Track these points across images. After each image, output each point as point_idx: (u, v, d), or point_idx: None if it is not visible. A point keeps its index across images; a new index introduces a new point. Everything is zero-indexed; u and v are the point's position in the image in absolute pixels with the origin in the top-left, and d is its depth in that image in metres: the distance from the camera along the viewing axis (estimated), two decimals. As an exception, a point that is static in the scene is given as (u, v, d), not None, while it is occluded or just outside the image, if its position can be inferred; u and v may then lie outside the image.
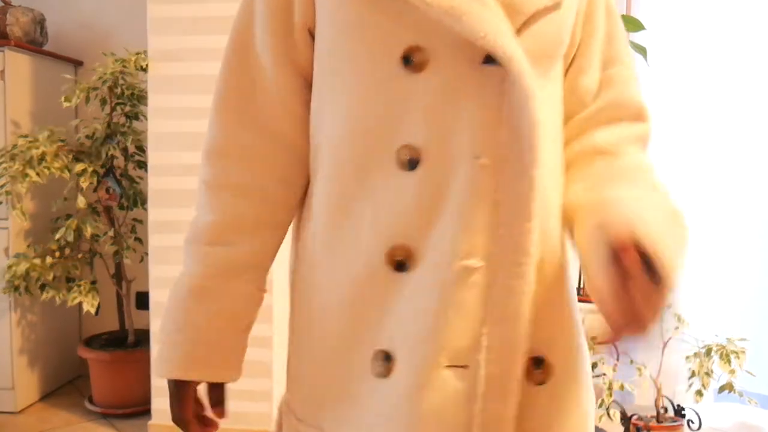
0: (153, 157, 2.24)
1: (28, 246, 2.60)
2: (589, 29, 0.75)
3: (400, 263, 0.66)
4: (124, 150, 2.55)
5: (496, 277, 0.64)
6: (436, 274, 0.65)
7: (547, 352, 0.68)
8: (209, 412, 0.75)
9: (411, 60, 0.64)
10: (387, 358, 0.66)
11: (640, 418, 2.23)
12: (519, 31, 0.64)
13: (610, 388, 2.16)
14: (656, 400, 2.24)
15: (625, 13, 2.61)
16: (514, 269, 0.64)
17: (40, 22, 2.77)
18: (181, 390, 0.72)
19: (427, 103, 0.65)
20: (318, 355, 0.72)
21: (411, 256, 0.66)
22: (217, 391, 0.75)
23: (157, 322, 2.28)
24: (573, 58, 0.75)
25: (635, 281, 0.57)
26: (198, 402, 0.74)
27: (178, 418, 0.73)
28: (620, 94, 0.75)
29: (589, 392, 0.73)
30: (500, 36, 0.61)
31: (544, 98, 0.68)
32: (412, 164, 0.65)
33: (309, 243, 0.73)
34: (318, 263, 0.72)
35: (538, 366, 0.67)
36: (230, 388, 2.26)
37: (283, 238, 0.77)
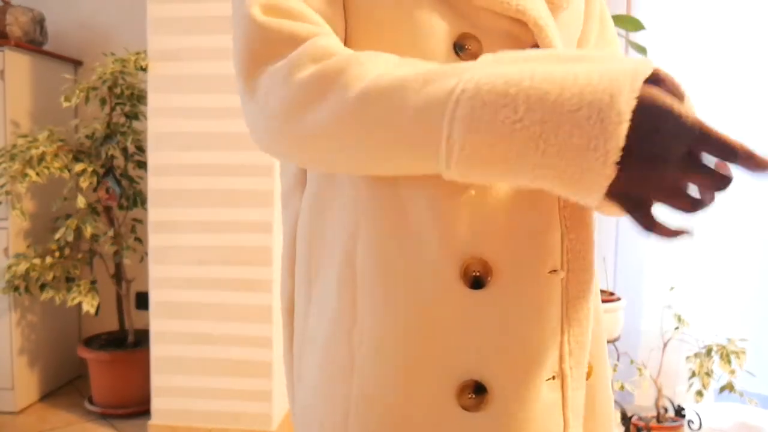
0: (153, 157, 2.24)
1: (28, 246, 2.60)
2: (588, 11, 0.74)
3: (477, 280, 0.58)
4: (124, 150, 2.55)
5: (571, 283, 0.63)
6: (521, 288, 0.60)
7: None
8: None
9: (465, 47, 0.59)
10: (479, 389, 0.58)
11: (640, 419, 2.23)
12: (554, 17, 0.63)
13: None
14: (656, 401, 2.23)
15: (625, 13, 2.61)
16: (583, 266, 0.62)
17: (40, 22, 2.77)
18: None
19: None
20: (375, 396, 0.61)
21: (489, 269, 0.58)
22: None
23: (157, 322, 2.28)
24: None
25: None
26: None
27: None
28: None
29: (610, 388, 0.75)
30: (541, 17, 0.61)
31: None
32: None
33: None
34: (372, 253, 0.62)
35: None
36: (231, 388, 2.24)
37: None
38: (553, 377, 0.61)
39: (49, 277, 2.46)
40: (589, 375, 0.66)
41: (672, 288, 2.37)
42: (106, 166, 2.53)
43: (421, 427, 0.59)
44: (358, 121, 0.53)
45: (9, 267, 2.44)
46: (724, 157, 0.47)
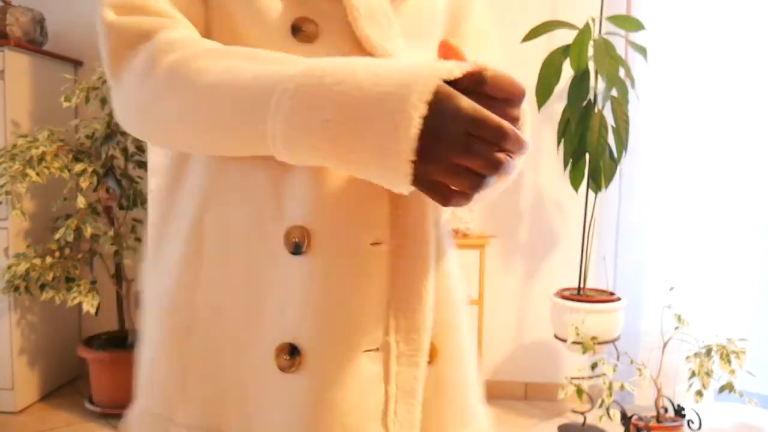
0: (153, 157, 2.24)
1: (28, 246, 2.60)
2: (459, 6, 0.77)
3: (297, 245, 0.61)
4: (124, 150, 2.56)
5: (403, 258, 0.64)
6: (340, 256, 0.62)
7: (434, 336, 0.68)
8: None
9: (302, 30, 0.63)
10: (293, 351, 0.61)
11: (640, 419, 2.23)
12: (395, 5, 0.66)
13: (610, 388, 2.16)
14: (656, 400, 2.24)
15: (625, 13, 2.61)
16: (417, 251, 0.65)
17: (40, 22, 2.77)
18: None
19: None
20: (212, 355, 0.65)
21: (309, 237, 0.61)
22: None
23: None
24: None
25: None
26: None
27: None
28: None
29: (473, 371, 0.74)
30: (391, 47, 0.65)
31: None
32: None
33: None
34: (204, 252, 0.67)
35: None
36: None
37: None
38: (376, 349, 0.62)
39: (49, 277, 2.46)
40: (432, 357, 0.66)
41: (672, 288, 2.37)
42: (106, 166, 2.53)
43: (248, 386, 0.63)
44: (202, 116, 0.60)
45: (9, 267, 2.44)
46: (495, 140, 0.52)
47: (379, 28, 0.64)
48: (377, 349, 0.62)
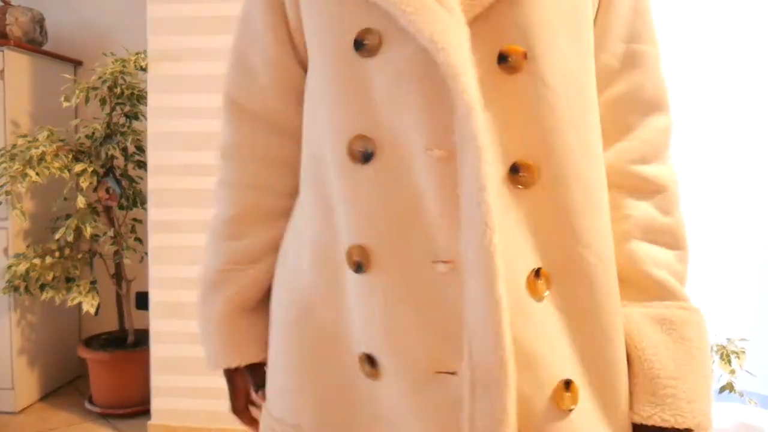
0: (153, 157, 2.24)
1: (28, 246, 2.60)
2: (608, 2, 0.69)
3: (358, 265, 0.63)
4: (124, 150, 2.55)
5: (469, 278, 0.59)
6: (403, 272, 0.62)
7: (575, 374, 0.62)
8: (254, 397, 0.78)
9: (363, 44, 0.62)
10: (371, 361, 0.63)
11: (640, 418, 2.23)
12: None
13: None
14: (656, 400, 2.23)
15: (625, 13, 2.61)
16: (483, 274, 0.58)
17: (40, 22, 2.77)
18: (231, 381, 0.79)
19: (380, 91, 0.62)
20: (298, 354, 0.71)
21: (368, 256, 0.62)
22: (261, 374, 0.78)
23: (157, 322, 2.28)
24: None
25: None
26: (253, 388, 0.79)
27: (232, 409, 0.80)
28: (640, 80, 0.70)
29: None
30: (451, 45, 0.58)
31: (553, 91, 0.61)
32: (366, 157, 0.63)
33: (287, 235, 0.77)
34: (297, 261, 0.73)
35: (566, 389, 0.61)
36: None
37: None
38: (453, 373, 0.60)
39: (49, 277, 2.46)
40: (574, 397, 0.61)
41: (672, 288, 2.37)
42: (106, 166, 2.53)
43: (337, 386, 0.67)
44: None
45: (9, 267, 2.44)
46: None
47: (441, 25, 0.58)
48: (453, 373, 0.60)
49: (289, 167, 0.75)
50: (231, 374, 0.79)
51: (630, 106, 0.70)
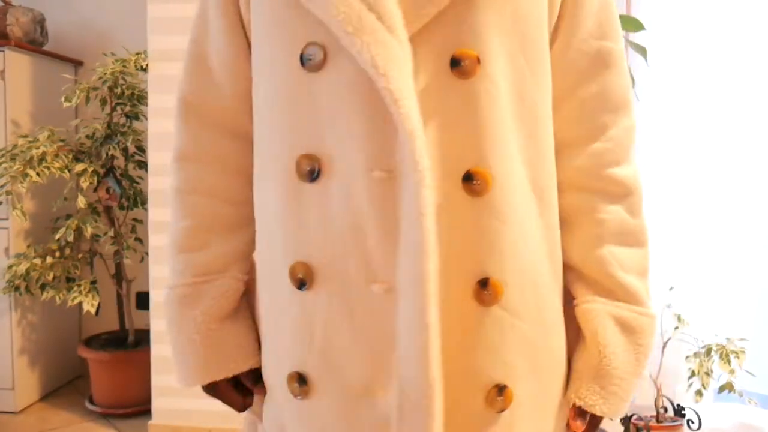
0: (153, 157, 2.24)
1: (28, 246, 2.60)
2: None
3: (301, 281, 0.64)
4: (124, 150, 2.55)
5: (403, 301, 0.60)
6: (341, 291, 0.63)
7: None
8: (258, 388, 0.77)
9: (309, 58, 0.62)
10: (302, 380, 0.66)
11: (639, 418, 2.23)
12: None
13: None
14: (656, 400, 2.24)
15: (625, 13, 2.61)
16: (416, 298, 0.59)
17: (40, 22, 2.77)
18: (215, 392, 0.77)
19: (325, 105, 0.62)
20: (264, 365, 0.76)
21: (311, 273, 0.63)
22: (247, 377, 0.77)
23: (158, 322, 2.28)
24: (556, 31, 0.68)
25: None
26: (240, 388, 0.77)
27: (235, 409, 0.79)
28: (612, 80, 0.71)
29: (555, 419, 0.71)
30: (393, 68, 0.57)
31: (508, 91, 0.62)
32: (313, 175, 0.63)
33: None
34: (256, 277, 0.75)
35: (500, 393, 0.65)
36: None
37: (251, 235, 0.76)
38: (380, 391, 0.62)
39: (50, 277, 2.46)
40: (506, 401, 0.64)
41: (672, 288, 2.37)
42: (107, 166, 2.53)
43: (275, 398, 0.70)
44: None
45: (9, 267, 2.44)
46: None
47: (381, 48, 0.57)
48: (381, 391, 0.62)
49: (248, 175, 0.73)
50: (215, 387, 0.75)
51: (603, 106, 0.70)
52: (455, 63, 0.60)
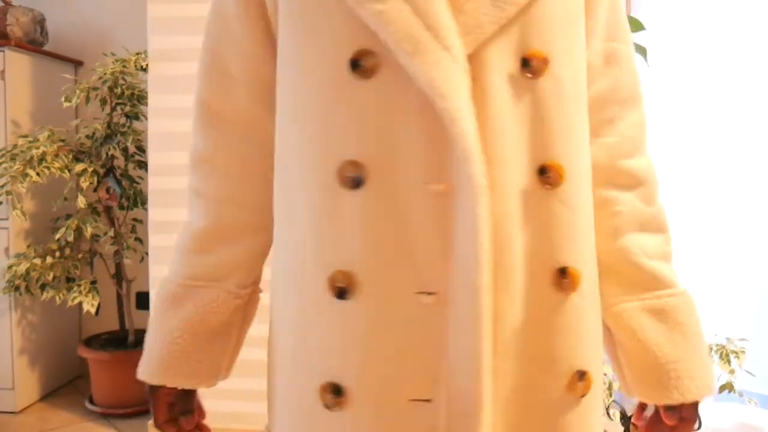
0: (153, 157, 2.24)
1: (28, 246, 2.60)
2: (591, 1, 0.71)
3: (342, 291, 0.62)
4: (124, 150, 2.56)
5: (456, 312, 0.60)
6: (387, 300, 0.62)
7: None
8: (185, 419, 0.77)
9: (360, 64, 0.61)
10: (337, 391, 0.63)
11: (640, 418, 2.23)
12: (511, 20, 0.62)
13: (610, 388, 2.16)
14: (656, 400, 2.23)
15: (625, 13, 2.61)
16: (471, 310, 0.59)
17: (40, 22, 2.77)
18: (154, 393, 0.75)
19: (374, 114, 0.61)
20: (280, 383, 0.72)
21: (353, 282, 0.61)
22: (188, 398, 0.76)
23: (157, 322, 2.28)
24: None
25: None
26: (175, 407, 0.76)
27: (155, 423, 0.76)
28: (620, 76, 0.74)
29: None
30: (451, 88, 0.58)
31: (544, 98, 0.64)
32: (356, 183, 0.61)
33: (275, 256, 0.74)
34: (275, 290, 0.72)
35: (581, 378, 0.66)
36: (231, 388, 2.26)
37: (269, 241, 0.75)
38: (428, 400, 0.61)
39: (50, 277, 2.46)
40: (586, 385, 0.66)
41: (672, 288, 2.37)
42: (107, 166, 2.53)
43: (296, 417, 0.67)
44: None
45: (9, 267, 2.44)
46: None
47: (433, 61, 0.58)
48: (428, 401, 0.61)
49: (265, 181, 0.73)
50: (157, 389, 0.75)
51: (612, 102, 0.73)
52: (525, 63, 0.62)
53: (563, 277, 0.64)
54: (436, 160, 0.60)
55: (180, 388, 0.74)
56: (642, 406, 0.76)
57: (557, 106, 0.64)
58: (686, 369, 0.69)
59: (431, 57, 0.58)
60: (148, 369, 0.74)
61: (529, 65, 0.62)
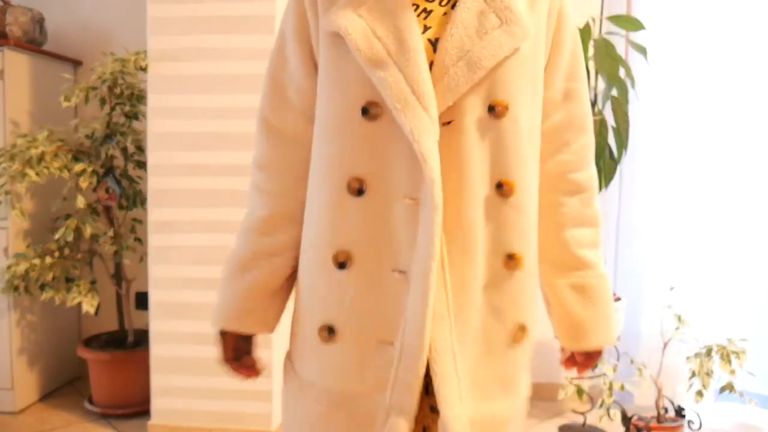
0: (152, 157, 2.24)
1: (28, 246, 2.60)
2: (556, 51, 0.95)
3: (342, 263, 0.90)
4: (124, 150, 2.55)
5: (412, 285, 0.87)
6: (371, 273, 0.89)
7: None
8: (247, 358, 1.02)
9: (369, 111, 0.87)
10: (330, 330, 0.92)
11: (640, 419, 2.23)
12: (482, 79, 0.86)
13: (610, 388, 2.16)
14: (657, 401, 2.24)
15: (625, 13, 2.61)
16: (422, 285, 0.85)
17: (40, 22, 2.77)
18: (223, 337, 1.01)
19: (375, 146, 0.89)
20: (296, 319, 1.00)
21: (350, 258, 0.90)
22: (247, 343, 1.03)
23: (157, 322, 2.28)
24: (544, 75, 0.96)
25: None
26: (239, 348, 1.02)
27: (221, 360, 1.01)
28: (575, 109, 0.99)
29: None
30: (424, 137, 0.83)
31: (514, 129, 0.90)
32: (359, 192, 0.89)
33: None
34: (300, 261, 0.98)
35: (521, 330, 0.95)
36: (230, 388, 2.29)
37: None
38: (390, 343, 0.89)
39: (49, 277, 2.46)
40: (524, 334, 0.94)
41: (672, 288, 2.37)
42: (106, 166, 2.53)
43: (304, 346, 0.96)
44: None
45: (9, 267, 2.44)
46: None
47: (413, 117, 0.84)
48: (391, 343, 0.89)
49: (307, 180, 0.96)
50: (226, 334, 1.00)
51: (568, 129, 0.99)
52: (491, 109, 0.87)
53: (511, 260, 0.91)
54: (412, 181, 0.86)
55: (244, 333, 1.00)
56: (564, 350, 1.05)
57: (513, 140, 0.89)
58: (592, 328, 0.99)
59: (413, 113, 0.84)
60: (222, 318, 0.99)
61: (494, 110, 0.87)
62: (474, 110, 0.86)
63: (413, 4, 0.89)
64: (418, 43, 0.86)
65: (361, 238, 0.89)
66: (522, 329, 0.93)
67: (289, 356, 1.02)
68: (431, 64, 0.86)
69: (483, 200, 0.88)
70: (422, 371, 0.86)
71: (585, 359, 1.04)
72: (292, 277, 1.00)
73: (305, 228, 0.96)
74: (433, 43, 0.87)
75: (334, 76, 0.90)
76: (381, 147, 0.87)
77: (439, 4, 0.90)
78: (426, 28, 0.88)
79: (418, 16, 0.89)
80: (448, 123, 0.86)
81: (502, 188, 0.89)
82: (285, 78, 0.97)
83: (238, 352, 1.01)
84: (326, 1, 0.92)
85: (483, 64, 0.85)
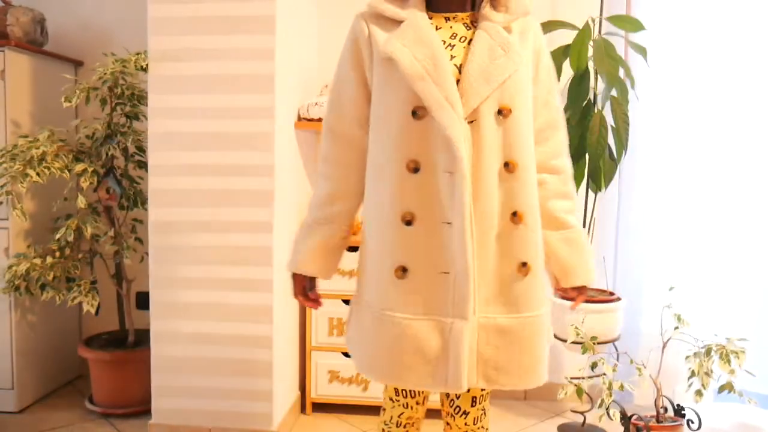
0: (153, 157, 2.24)
1: (29, 246, 2.60)
2: (537, 74, 1.34)
3: (408, 221, 1.25)
4: (124, 150, 2.56)
5: (455, 231, 1.23)
6: (429, 226, 1.25)
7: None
8: (311, 293, 1.43)
9: (417, 113, 1.24)
10: (404, 270, 1.27)
11: (639, 418, 2.23)
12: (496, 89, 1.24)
13: (609, 387, 2.17)
14: (656, 400, 2.24)
15: (624, 13, 2.61)
16: (462, 231, 1.22)
17: (40, 22, 2.77)
18: (295, 278, 1.41)
19: (423, 137, 1.25)
20: (370, 268, 1.35)
21: (414, 217, 1.25)
22: (312, 283, 1.43)
23: (157, 322, 2.28)
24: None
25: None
26: (306, 287, 1.41)
27: (293, 294, 1.42)
28: (552, 114, 1.38)
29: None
30: (455, 130, 1.21)
31: (514, 125, 1.27)
32: (416, 170, 1.26)
33: (365, 206, 1.38)
34: (365, 219, 1.36)
35: (524, 266, 1.30)
36: (230, 388, 2.31)
37: (358, 204, 1.39)
38: (447, 273, 1.25)
39: (50, 277, 2.46)
40: (527, 269, 1.30)
41: (672, 288, 2.37)
42: (107, 166, 2.53)
43: (381, 283, 1.30)
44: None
45: (9, 267, 2.44)
46: None
47: (448, 116, 1.20)
48: (447, 273, 1.25)
49: (359, 170, 1.36)
50: (296, 274, 1.40)
51: (547, 128, 1.37)
52: (500, 111, 1.24)
53: (515, 216, 1.26)
54: (448, 160, 1.22)
55: (311, 276, 1.40)
56: (557, 289, 1.42)
57: (515, 133, 1.26)
58: (578, 271, 1.38)
59: (447, 114, 1.21)
60: (295, 264, 1.38)
61: (502, 112, 1.24)
62: (489, 112, 1.23)
63: (441, 40, 1.26)
64: (449, 65, 1.23)
65: (420, 202, 1.25)
66: (524, 265, 1.28)
67: (358, 299, 1.38)
68: (458, 81, 1.23)
69: (496, 174, 1.25)
70: (472, 288, 1.23)
71: (577, 293, 1.41)
72: (345, 240, 1.39)
73: (372, 202, 1.33)
74: (458, 68, 1.24)
75: (389, 88, 1.27)
76: (426, 138, 1.23)
77: (460, 41, 1.28)
78: (452, 57, 1.25)
79: (446, 49, 1.26)
80: (472, 122, 1.22)
81: (508, 166, 1.25)
82: (344, 94, 1.35)
83: (305, 289, 1.41)
84: (379, 36, 1.29)
85: (495, 79, 1.23)
